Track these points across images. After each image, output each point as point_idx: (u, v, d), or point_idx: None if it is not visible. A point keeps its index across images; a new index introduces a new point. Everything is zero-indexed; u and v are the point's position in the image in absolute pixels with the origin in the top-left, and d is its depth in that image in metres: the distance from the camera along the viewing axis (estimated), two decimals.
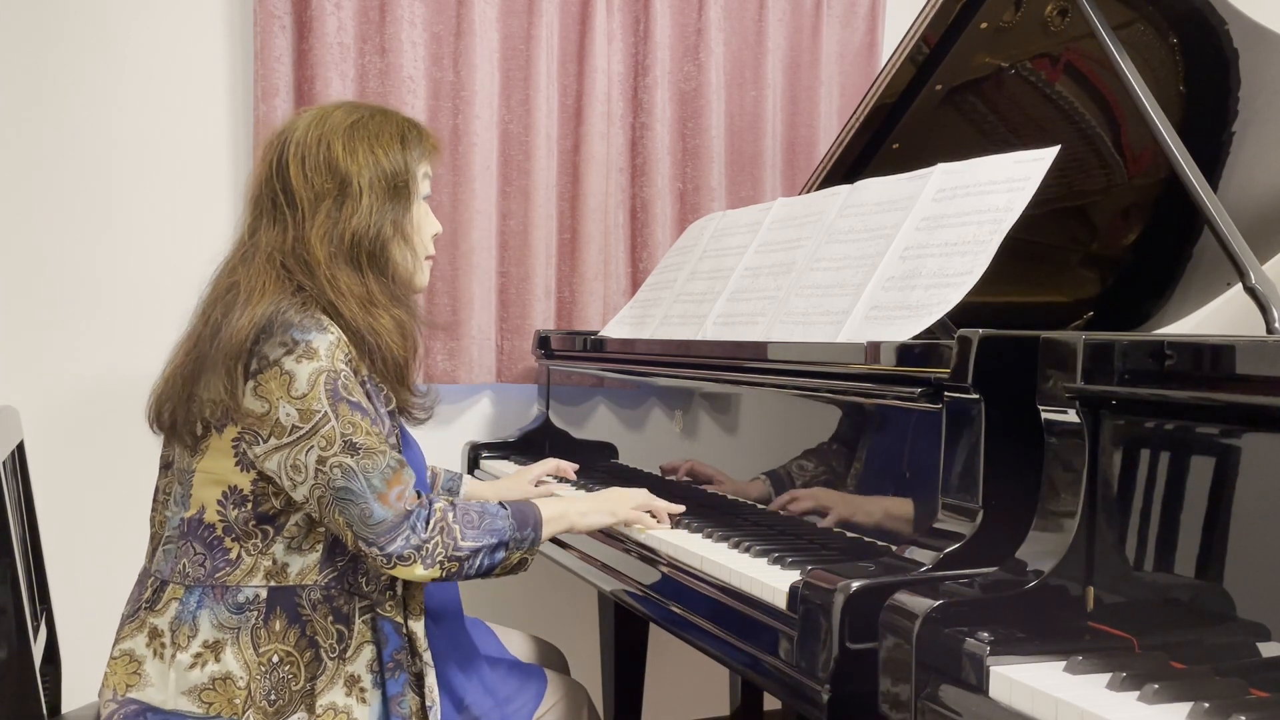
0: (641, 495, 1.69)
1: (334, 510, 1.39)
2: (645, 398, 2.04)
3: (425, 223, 1.59)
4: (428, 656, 1.50)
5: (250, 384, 1.38)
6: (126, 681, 1.45)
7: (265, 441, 1.39)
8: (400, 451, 1.51)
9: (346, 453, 1.39)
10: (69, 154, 2.37)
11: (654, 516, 1.68)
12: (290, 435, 1.38)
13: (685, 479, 1.89)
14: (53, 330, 2.37)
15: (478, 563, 1.46)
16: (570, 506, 1.62)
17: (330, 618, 1.45)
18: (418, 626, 1.50)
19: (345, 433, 1.39)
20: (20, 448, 1.71)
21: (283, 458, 1.39)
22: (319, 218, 1.48)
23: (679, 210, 2.76)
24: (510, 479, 2.05)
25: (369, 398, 1.45)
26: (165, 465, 1.53)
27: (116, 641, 1.48)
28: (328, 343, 1.40)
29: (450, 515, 1.45)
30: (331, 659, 1.44)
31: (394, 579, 1.50)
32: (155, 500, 1.54)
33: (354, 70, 2.47)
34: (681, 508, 1.70)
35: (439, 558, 1.43)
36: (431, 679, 1.49)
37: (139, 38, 2.40)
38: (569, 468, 2.06)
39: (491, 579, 1.52)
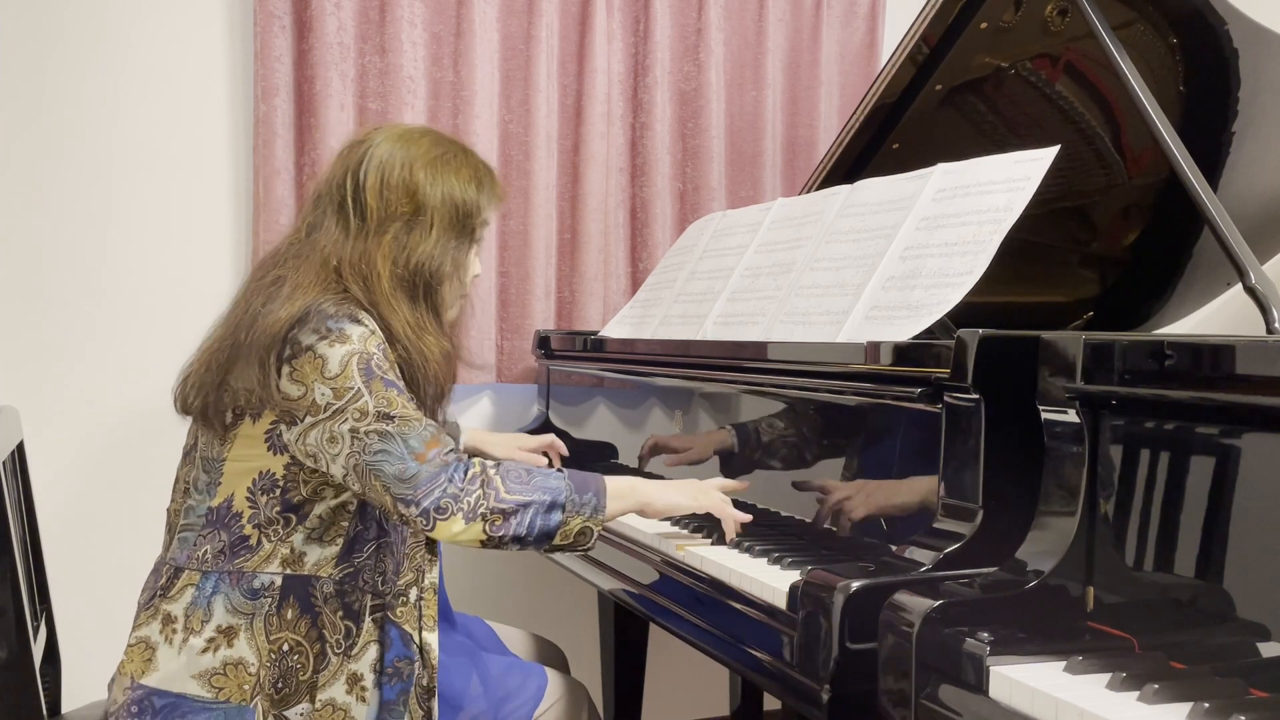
0: (720, 492, 1.58)
1: (371, 475, 1.38)
2: (645, 398, 2.04)
3: (472, 265, 1.60)
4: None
5: (286, 369, 1.39)
6: (141, 668, 1.45)
7: (302, 421, 1.39)
8: None
9: (381, 420, 1.38)
10: (69, 154, 2.37)
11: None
12: (326, 411, 1.38)
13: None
14: (52, 329, 2.37)
15: (528, 520, 1.40)
16: (642, 483, 1.53)
17: (340, 613, 1.45)
18: (432, 639, 1.50)
19: (379, 405, 1.38)
20: (20, 448, 1.71)
21: (320, 433, 1.39)
22: (386, 237, 1.49)
23: (679, 210, 2.76)
24: (507, 437, 2.07)
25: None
26: (187, 452, 1.53)
27: (133, 630, 1.48)
28: (360, 331, 1.41)
29: (492, 469, 1.42)
30: (336, 654, 1.44)
31: (412, 585, 1.49)
32: (175, 489, 1.54)
33: (354, 70, 2.47)
34: (749, 517, 1.56)
35: (480, 510, 1.38)
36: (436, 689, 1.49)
37: (139, 38, 2.40)
38: (561, 446, 2.08)
39: (554, 555, 1.43)
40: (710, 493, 1.57)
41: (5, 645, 1.38)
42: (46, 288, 2.37)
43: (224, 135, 2.48)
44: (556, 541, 1.43)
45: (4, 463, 1.50)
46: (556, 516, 1.42)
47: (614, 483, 1.49)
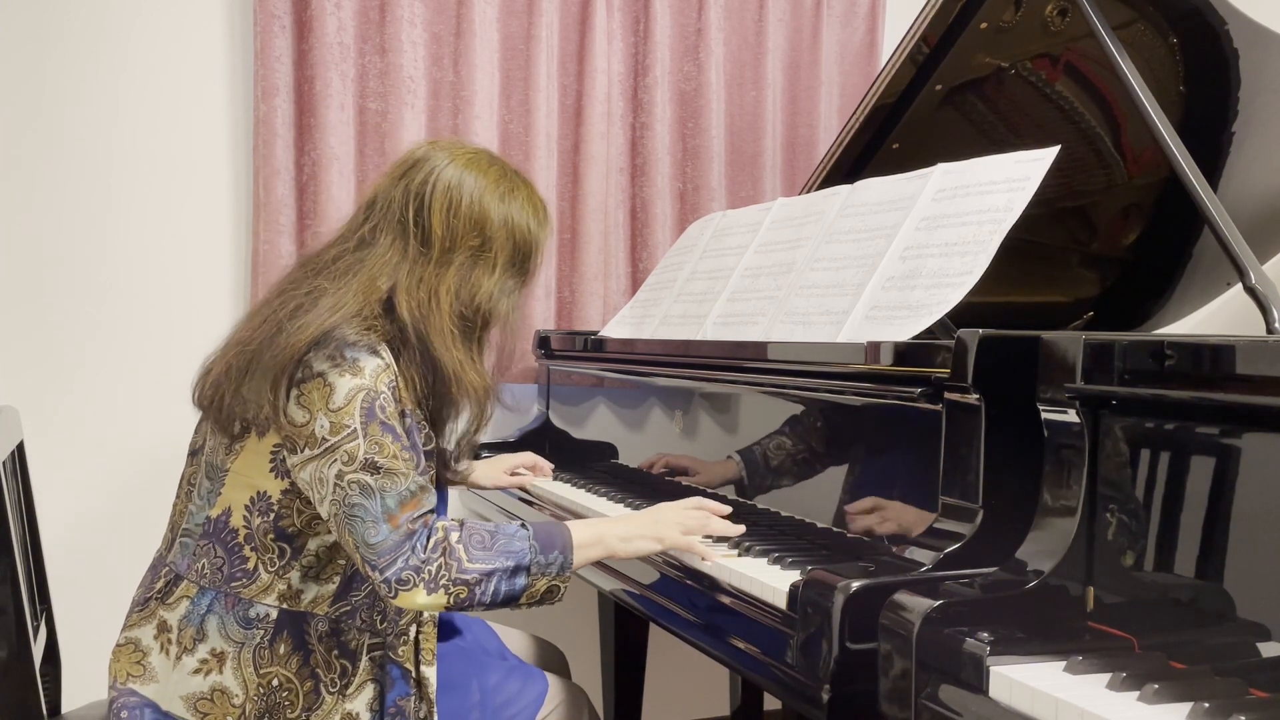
0: (694, 516, 1.52)
1: (345, 529, 1.35)
2: (645, 398, 2.04)
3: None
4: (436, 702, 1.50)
5: (294, 393, 1.36)
6: (129, 671, 1.44)
7: (301, 452, 1.36)
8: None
9: (366, 470, 1.34)
10: (69, 154, 2.37)
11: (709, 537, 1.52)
12: (320, 447, 1.35)
13: (684, 479, 1.89)
14: (53, 329, 2.37)
15: (492, 588, 1.37)
16: (608, 530, 1.48)
17: (335, 651, 1.43)
18: (430, 672, 1.49)
19: (369, 452, 1.34)
20: (20, 448, 1.71)
21: (312, 469, 1.36)
22: (450, 268, 1.46)
23: (679, 210, 2.76)
24: (485, 463, 2.08)
25: (408, 433, 1.41)
26: (193, 453, 1.51)
27: (124, 628, 1.47)
28: (375, 365, 1.37)
29: (454, 535, 1.38)
30: (331, 694, 1.43)
31: (411, 624, 1.48)
32: (180, 489, 1.52)
33: (354, 70, 2.47)
34: (741, 528, 1.53)
35: (442, 581, 1.35)
36: None
37: (139, 38, 2.40)
38: (546, 466, 2.11)
39: (521, 609, 1.42)
40: (675, 531, 1.49)
41: (5, 645, 1.38)
42: (47, 288, 2.37)
43: (224, 135, 2.48)
44: (522, 602, 1.40)
45: (4, 463, 1.50)
46: (521, 580, 1.39)
47: (580, 533, 1.45)
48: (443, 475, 1.56)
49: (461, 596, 1.36)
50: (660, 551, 1.52)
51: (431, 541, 1.36)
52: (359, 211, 1.53)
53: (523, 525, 1.44)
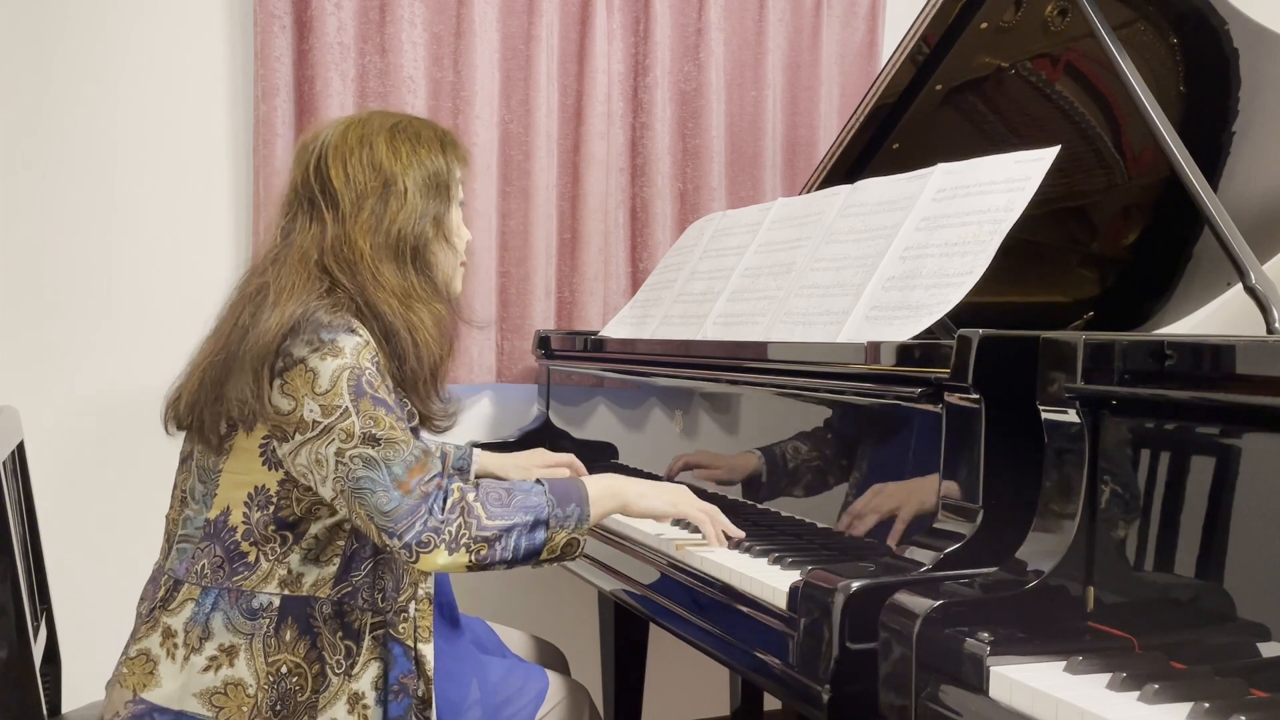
0: (705, 505, 1.56)
1: (355, 503, 1.36)
2: (645, 398, 2.04)
3: (460, 228, 1.59)
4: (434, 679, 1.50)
5: (278, 382, 1.36)
6: (143, 681, 1.44)
7: (292, 439, 1.37)
8: None
9: (366, 444, 1.35)
10: (69, 154, 2.37)
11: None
12: (313, 430, 1.36)
13: (685, 478, 1.89)
14: (53, 330, 2.37)
15: (512, 544, 1.38)
16: (624, 485, 1.50)
17: (340, 633, 1.43)
18: (427, 649, 1.49)
19: (365, 426, 1.36)
20: (20, 448, 1.71)
21: (309, 452, 1.37)
22: (362, 215, 1.47)
23: (679, 210, 2.76)
24: (525, 454, 2.02)
25: (396, 405, 1.41)
26: (184, 459, 1.51)
27: (133, 640, 1.47)
28: (354, 343, 1.38)
29: (471, 495, 1.39)
30: (337, 675, 1.43)
31: (410, 600, 1.48)
32: (173, 496, 1.52)
33: (354, 70, 2.47)
34: (741, 534, 1.55)
35: (463, 540, 1.36)
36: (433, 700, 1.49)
37: (139, 38, 2.40)
38: (580, 466, 2.03)
39: (542, 567, 1.42)
40: (691, 501, 1.54)
41: (5, 645, 1.38)
42: (48, 288, 2.37)
43: (224, 135, 2.48)
44: (543, 557, 1.41)
45: (4, 463, 1.50)
46: (540, 535, 1.40)
47: (595, 486, 1.47)
48: (433, 428, 1.56)
49: (483, 554, 1.37)
50: (672, 515, 1.54)
51: (449, 502, 1.38)
52: (278, 211, 1.56)
53: (538, 481, 1.45)
